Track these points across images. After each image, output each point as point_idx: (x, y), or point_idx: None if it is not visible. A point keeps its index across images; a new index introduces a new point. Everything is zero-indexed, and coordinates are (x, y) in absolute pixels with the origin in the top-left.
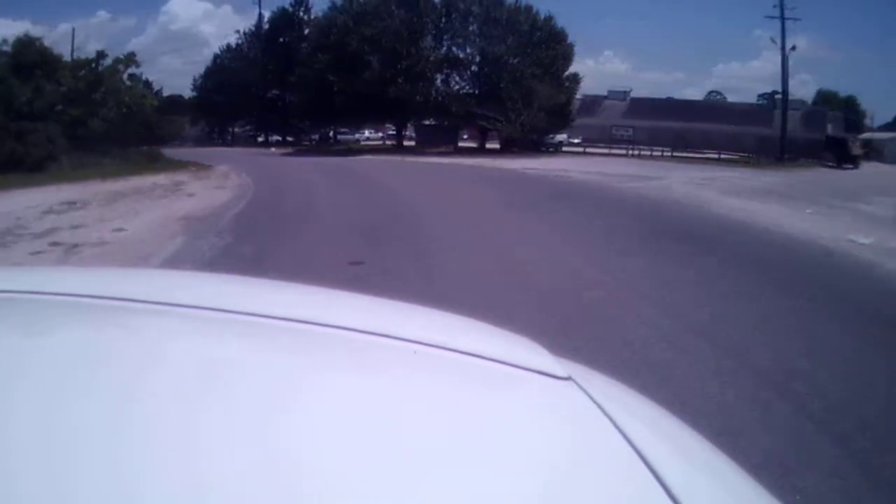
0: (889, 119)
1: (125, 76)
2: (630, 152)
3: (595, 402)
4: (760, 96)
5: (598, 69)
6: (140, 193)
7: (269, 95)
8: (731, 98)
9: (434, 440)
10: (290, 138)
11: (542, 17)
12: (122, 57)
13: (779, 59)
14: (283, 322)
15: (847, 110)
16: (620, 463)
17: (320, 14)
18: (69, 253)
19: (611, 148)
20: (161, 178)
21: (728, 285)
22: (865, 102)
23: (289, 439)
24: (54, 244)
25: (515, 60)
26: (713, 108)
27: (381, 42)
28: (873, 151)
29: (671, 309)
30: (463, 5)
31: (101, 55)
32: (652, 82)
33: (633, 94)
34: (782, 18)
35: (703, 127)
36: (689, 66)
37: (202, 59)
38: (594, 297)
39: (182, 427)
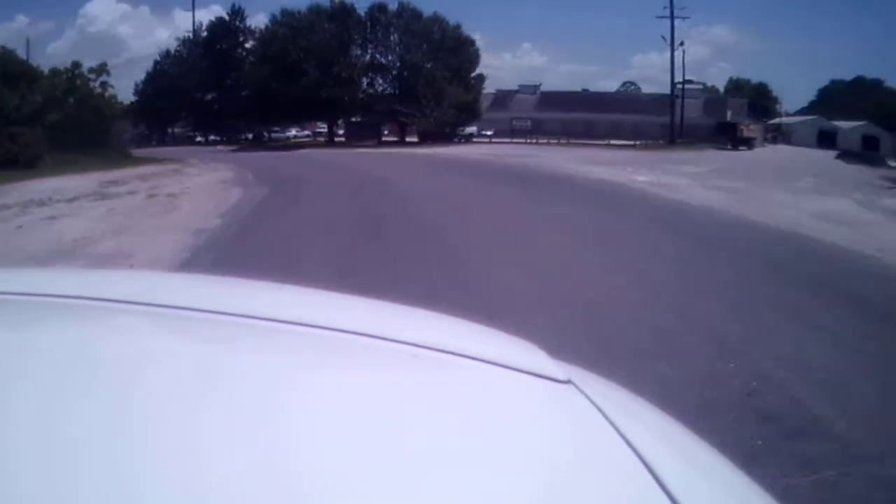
0: (805, 104)
1: (97, 84)
2: (529, 141)
3: (595, 405)
4: (675, 84)
5: (515, 62)
6: (158, 176)
7: (206, 98)
8: (648, 88)
9: (433, 444)
10: (224, 137)
11: (452, 25)
12: (94, 67)
13: (697, 49)
14: (281, 324)
15: (759, 97)
16: (621, 466)
17: (257, 23)
18: (171, 196)
19: (513, 138)
20: (154, 168)
21: (539, 195)
22: (782, 89)
23: (286, 442)
24: (152, 195)
25: (429, 65)
26: (622, 99)
27: (316, 52)
28: (781, 135)
29: (504, 196)
30: (385, 18)
31: (76, 65)
32: (570, 74)
33: (547, 88)
34: (672, 18)
35: (611, 117)
36: (607, 58)
37: (120, 62)
38: (464, 192)
39: (178, 430)
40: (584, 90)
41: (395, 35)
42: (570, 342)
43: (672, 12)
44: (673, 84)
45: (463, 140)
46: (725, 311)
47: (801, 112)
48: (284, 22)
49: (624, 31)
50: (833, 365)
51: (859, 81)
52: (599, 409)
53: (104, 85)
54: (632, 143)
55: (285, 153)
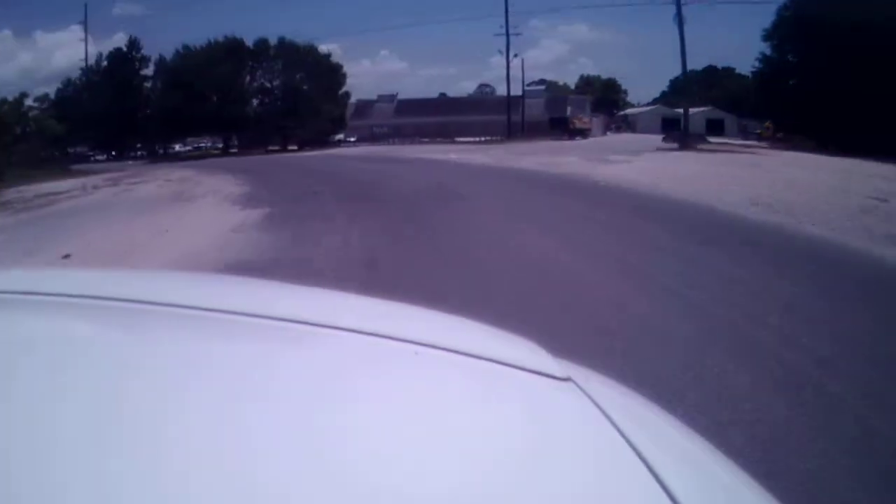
0: (658, 94)
1: (40, 111)
2: (389, 143)
3: (595, 403)
4: (529, 84)
5: (375, 69)
6: (116, 179)
7: (107, 119)
8: (503, 88)
9: (434, 441)
10: (120, 154)
11: (323, 54)
12: (39, 96)
13: (557, 48)
14: (282, 323)
15: (609, 91)
16: (620, 464)
17: (152, 52)
18: (142, 184)
19: (374, 142)
20: (103, 176)
21: (390, 164)
22: (641, 81)
23: (286, 441)
24: (129, 187)
25: (305, 87)
26: (472, 102)
27: (214, 79)
28: (627, 124)
29: (367, 166)
30: (271, 51)
31: (23, 95)
32: (429, 77)
33: (407, 93)
34: (507, 35)
35: (462, 119)
36: (466, 60)
37: None
38: (344, 168)
39: (179, 428)
40: (442, 94)
41: (279, 63)
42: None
43: (507, 30)
44: (509, 89)
45: (333, 145)
46: (496, 185)
47: (653, 102)
48: (186, 55)
49: (481, 34)
50: (506, 188)
51: (710, 70)
52: (599, 408)
53: (45, 111)
54: (477, 139)
55: (194, 162)
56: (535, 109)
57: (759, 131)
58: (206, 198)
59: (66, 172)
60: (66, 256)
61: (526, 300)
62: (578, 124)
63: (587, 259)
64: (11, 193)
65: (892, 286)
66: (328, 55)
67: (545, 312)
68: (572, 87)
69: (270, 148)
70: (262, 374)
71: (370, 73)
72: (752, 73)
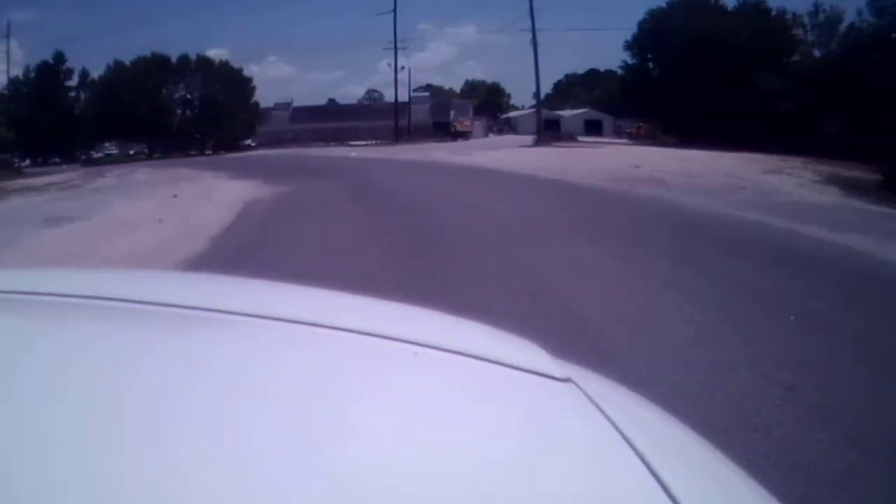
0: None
1: None
2: (289, 147)
3: (595, 403)
4: (416, 90)
5: (263, 74)
6: (76, 177)
7: (35, 128)
8: (392, 92)
9: (433, 441)
10: (39, 160)
11: (236, 69)
12: None
13: (445, 51)
14: (282, 323)
15: (493, 95)
16: (620, 465)
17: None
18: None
19: (274, 147)
20: (62, 176)
21: (314, 161)
22: (525, 84)
23: (287, 440)
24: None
25: (220, 98)
26: (362, 108)
27: (142, 91)
28: (509, 127)
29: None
30: (191, 67)
31: None
32: (316, 82)
33: (298, 100)
34: (395, 47)
35: (354, 124)
36: (352, 64)
37: None
38: (286, 162)
39: (179, 428)
40: (331, 100)
41: (198, 77)
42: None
43: (395, 41)
44: (396, 96)
45: (244, 149)
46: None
47: (536, 106)
48: (116, 69)
49: (369, 39)
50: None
51: (592, 73)
52: (599, 408)
53: None
54: (368, 142)
55: (120, 164)
56: (421, 114)
57: (629, 130)
58: (194, 179)
59: (21, 174)
60: (175, 196)
61: (398, 189)
62: (460, 127)
63: (429, 186)
64: (12, 185)
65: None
66: (240, 69)
67: (418, 192)
68: (458, 91)
69: (190, 153)
70: (260, 375)
71: (258, 78)
72: (620, 78)
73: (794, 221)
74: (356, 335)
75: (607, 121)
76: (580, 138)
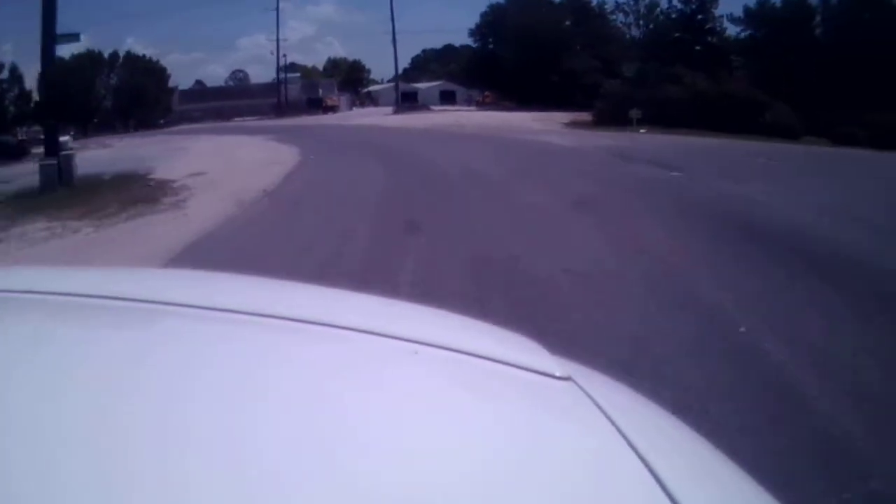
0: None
1: None
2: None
3: (595, 402)
4: (280, 68)
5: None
6: None
7: None
8: (256, 69)
9: (434, 440)
10: None
11: (154, 60)
12: None
13: (304, 28)
14: (282, 321)
15: (354, 71)
16: (620, 464)
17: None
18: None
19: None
20: None
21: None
22: (374, 61)
23: (288, 438)
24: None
25: (143, 85)
26: (239, 89)
27: (81, 82)
28: (371, 100)
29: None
30: (119, 60)
31: None
32: (178, 62)
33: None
34: (277, 40)
35: (235, 103)
36: (212, 44)
37: None
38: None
39: (180, 427)
40: (198, 81)
41: (125, 71)
42: None
43: (278, 37)
44: (278, 74)
45: (159, 128)
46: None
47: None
48: (60, 65)
49: (223, 17)
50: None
51: (449, 48)
52: (599, 407)
53: None
54: (255, 118)
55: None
56: (294, 92)
57: (478, 99)
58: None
59: None
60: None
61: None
62: (329, 102)
63: (347, 132)
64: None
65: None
66: (158, 61)
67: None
68: (321, 68)
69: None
70: (261, 374)
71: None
72: (467, 58)
73: (539, 136)
74: (356, 333)
75: (461, 91)
76: (434, 107)
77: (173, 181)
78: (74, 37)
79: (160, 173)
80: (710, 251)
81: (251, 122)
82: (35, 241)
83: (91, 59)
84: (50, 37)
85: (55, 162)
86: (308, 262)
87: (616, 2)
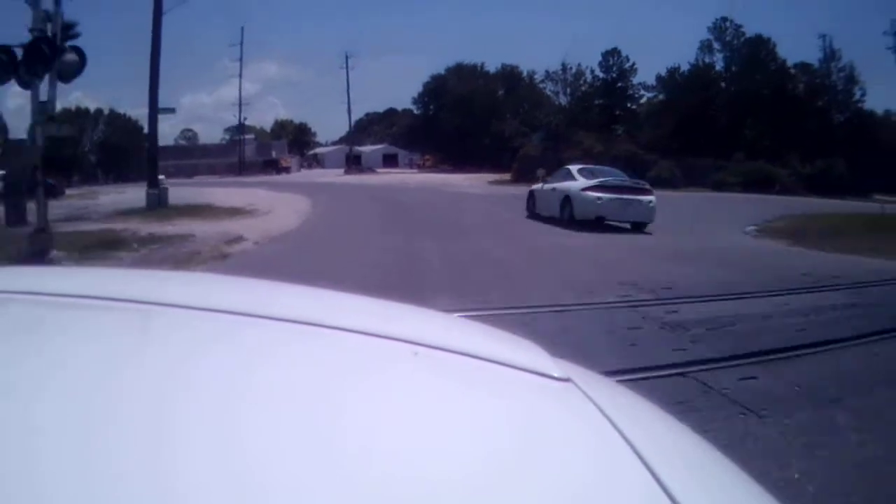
0: (344, 133)
1: None
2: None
3: (594, 403)
4: (226, 130)
5: (69, 115)
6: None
7: None
8: (203, 127)
9: (434, 441)
10: None
11: (134, 119)
12: None
13: (248, 87)
14: (282, 323)
15: (301, 133)
16: (620, 464)
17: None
18: None
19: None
20: None
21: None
22: (319, 123)
23: (287, 439)
24: None
25: (120, 142)
26: (197, 148)
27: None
28: (317, 161)
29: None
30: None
31: None
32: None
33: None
34: (240, 104)
35: (197, 162)
36: (160, 100)
37: None
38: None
39: (179, 427)
40: (177, 145)
41: (110, 128)
42: None
43: (240, 102)
44: (241, 135)
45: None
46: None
47: (340, 141)
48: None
49: (168, 77)
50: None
51: (391, 112)
52: (599, 408)
53: None
54: (214, 177)
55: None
56: (249, 152)
57: (418, 162)
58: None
59: None
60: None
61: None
62: (283, 164)
63: (324, 186)
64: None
65: None
66: (137, 120)
67: None
68: (268, 129)
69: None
70: (261, 375)
71: (65, 118)
72: (409, 125)
73: (464, 189)
74: (357, 335)
75: (402, 154)
76: (379, 170)
77: (240, 207)
78: (171, 110)
79: (220, 204)
80: (505, 210)
81: (215, 178)
82: (189, 227)
83: (77, 114)
84: (154, 110)
85: (156, 191)
86: (353, 229)
87: (546, 71)
